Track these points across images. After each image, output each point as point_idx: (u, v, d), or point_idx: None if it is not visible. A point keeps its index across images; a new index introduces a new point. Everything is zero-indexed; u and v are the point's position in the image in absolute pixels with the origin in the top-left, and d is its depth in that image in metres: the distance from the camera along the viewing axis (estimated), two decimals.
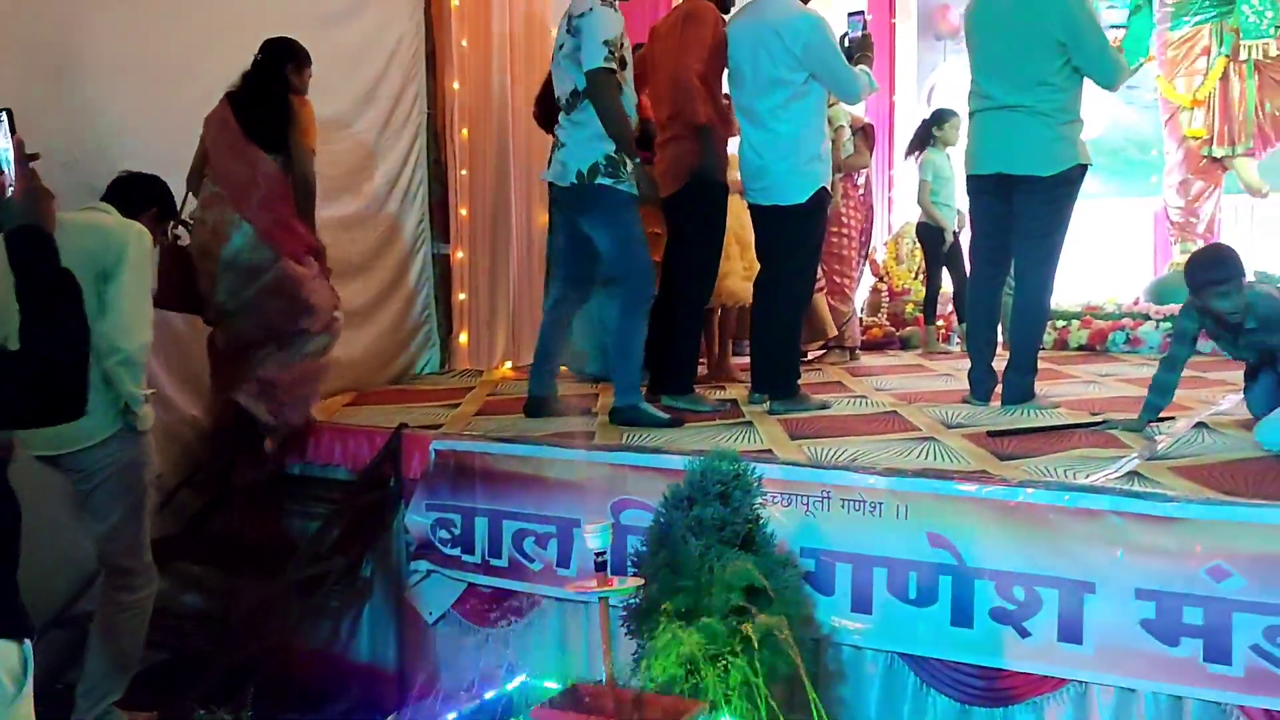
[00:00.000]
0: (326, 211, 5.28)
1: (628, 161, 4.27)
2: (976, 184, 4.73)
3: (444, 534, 4.17)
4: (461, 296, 6.24)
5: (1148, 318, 6.96)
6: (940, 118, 7.18)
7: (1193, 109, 7.35)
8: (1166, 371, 4.06)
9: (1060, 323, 7.18)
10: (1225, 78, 7.20)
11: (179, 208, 4.29)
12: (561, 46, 4.38)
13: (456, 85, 6.12)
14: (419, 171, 5.91)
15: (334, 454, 4.60)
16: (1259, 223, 8.62)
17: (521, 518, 3.99)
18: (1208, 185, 7.46)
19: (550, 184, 4.57)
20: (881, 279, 8.04)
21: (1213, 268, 3.86)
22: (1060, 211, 4.59)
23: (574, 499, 3.86)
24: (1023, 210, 4.58)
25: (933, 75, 9.44)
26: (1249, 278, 4.04)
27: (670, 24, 4.88)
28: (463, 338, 6.25)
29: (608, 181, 4.27)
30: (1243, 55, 7.02)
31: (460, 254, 6.19)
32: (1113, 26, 7.80)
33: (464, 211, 6.21)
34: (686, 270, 4.84)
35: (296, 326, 4.48)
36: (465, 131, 6.20)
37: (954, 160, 6.98)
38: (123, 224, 3.50)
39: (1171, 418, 4.19)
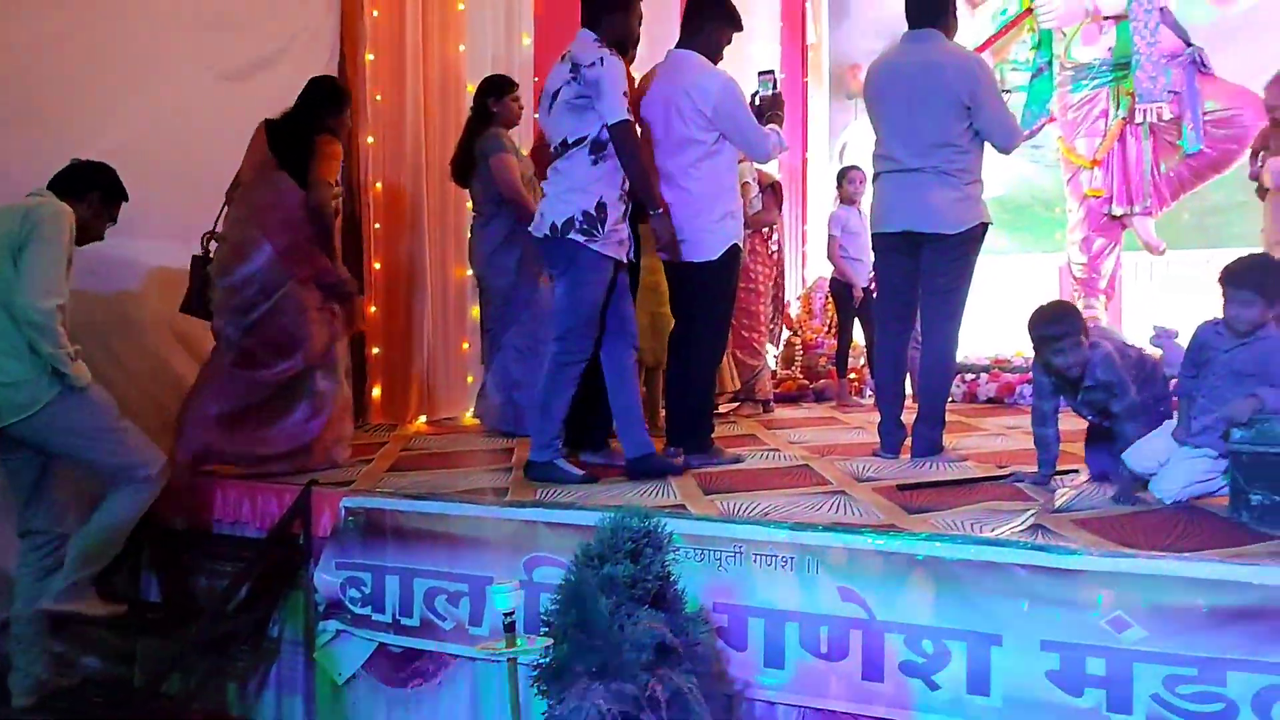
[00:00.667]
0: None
1: (606, 221, 4.26)
2: (883, 242, 4.85)
3: (354, 593, 4.10)
4: (375, 350, 6.20)
5: None
6: (845, 174, 7.34)
7: (1093, 169, 7.56)
8: (1038, 426, 4.16)
9: (969, 376, 7.32)
10: (1122, 139, 7.44)
11: (215, 221, 4.66)
12: (556, 94, 4.29)
13: (371, 139, 6.12)
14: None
15: (242, 511, 4.52)
16: (1157, 279, 8.89)
17: (433, 575, 3.94)
18: (1108, 242, 7.67)
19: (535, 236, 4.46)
20: (795, 332, 8.14)
21: (1049, 324, 3.94)
22: (964, 268, 4.73)
23: (486, 556, 3.82)
24: (929, 267, 4.71)
25: (844, 133, 9.63)
26: (1120, 335, 4.17)
27: None
28: (376, 391, 6.20)
29: (580, 238, 4.25)
30: (1138, 118, 7.25)
31: (374, 308, 6.15)
32: (1016, 89, 8.06)
33: (378, 265, 6.19)
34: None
35: (290, 355, 4.57)
36: (379, 185, 6.19)
37: (862, 215, 7.14)
38: (41, 203, 3.76)
39: (1074, 470, 4.29)
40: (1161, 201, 7.51)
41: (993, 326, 8.94)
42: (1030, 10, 7.49)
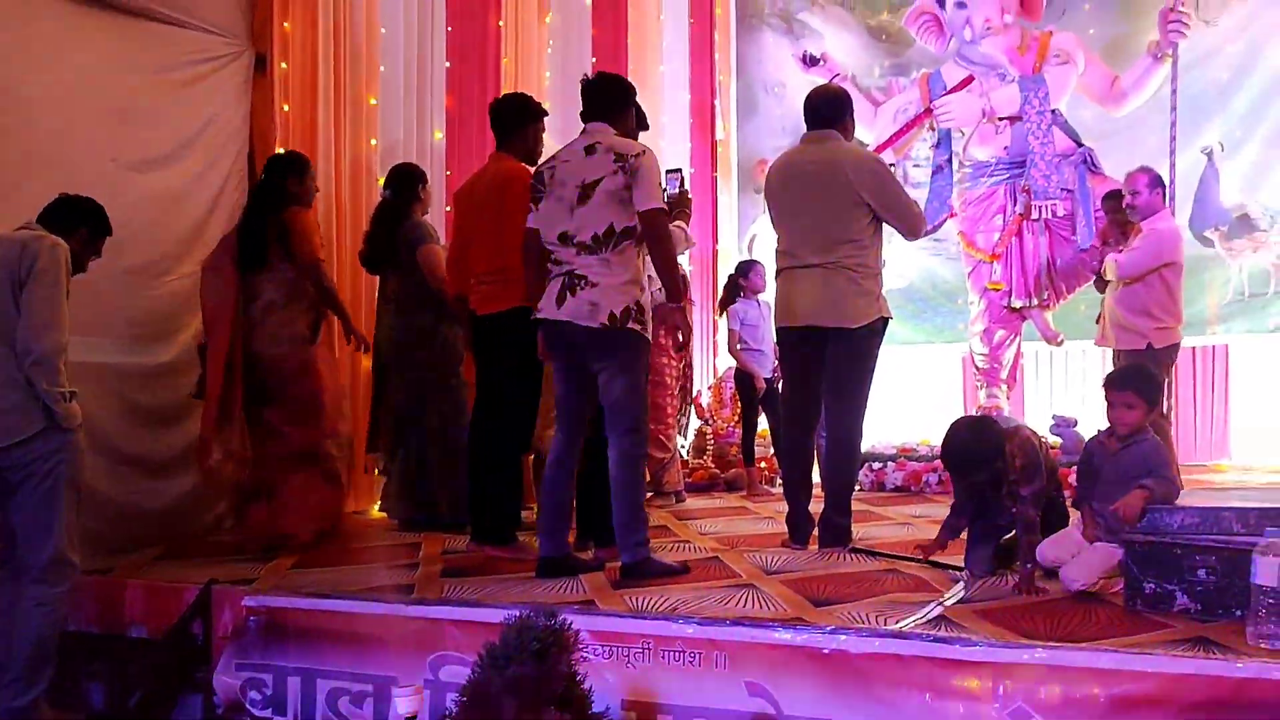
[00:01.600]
0: (135, 358, 5.15)
1: (647, 309, 4.31)
2: (787, 336, 4.96)
3: (255, 694, 3.99)
4: None
5: None
6: (744, 269, 7.47)
7: (992, 263, 7.80)
8: (951, 534, 4.29)
9: (877, 465, 7.42)
10: (1020, 235, 7.70)
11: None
12: (592, 185, 4.23)
13: None
14: None
15: (138, 611, 4.39)
16: (1057, 369, 9.14)
17: (337, 676, 3.84)
18: (1009, 334, 7.88)
19: (562, 324, 4.29)
20: (706, 421, 8.19)
21: (971, 450, 4.05)
22: (867, 361, 4.84)
23: (391, 655, 3.75)
24: (832, 361, 4.81)
25: (753, 226, 9.80)
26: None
27: (488, 189, 4.91)
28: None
29: (637, 328, 4.26)
30: (1034, 215, 7.53)
31: None
32: (917, 185, 8.32)
33: None
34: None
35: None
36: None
37: (762, 306, 7.27)
38: (37, 237, 3.85)
39: (959, 568, 4.35)
40: (1058, 294, 7.76)
41: (899, 415, 9.11)
42: (930, 110, 7.76)
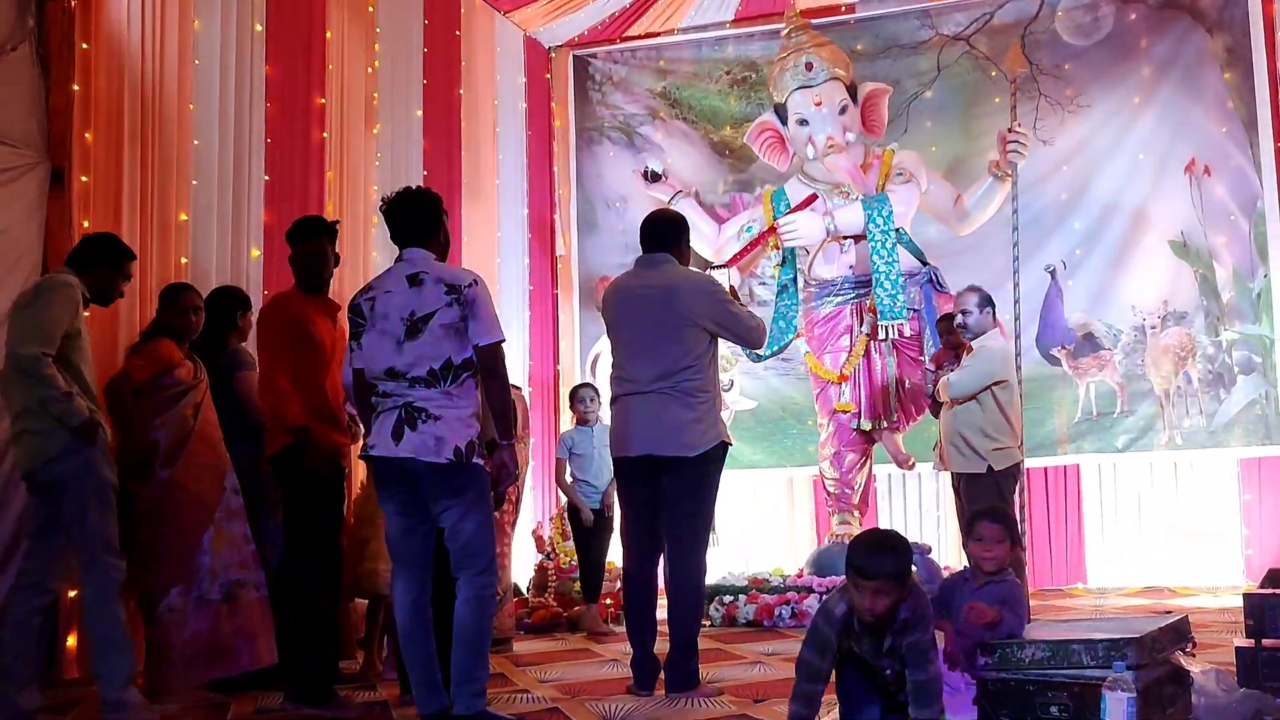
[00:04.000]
0: None
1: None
2: (624, 467, 5.03)
3: None
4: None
5: (811, 590, 7.32)
6: (575, 393, 7.55)
7: (840, 384, 7.99)
8: (807, 682, 3.56)
9: (728, 598, 7.44)
10: (867, 355, 7.92)
11: None
12: (423, 318, 4.19)
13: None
14: None
15: None
16: (910, 493, 9.40)
17: None
18: (859, 457, 8.04)
19: (401, 461, 4.18)
20: (548, 555, 8.11)
21: (888, 555, 3.46)
22: (707, 489, 4.94)
23: None
24: (670, 491, 4.88)
25: (596, 345, 9.89)
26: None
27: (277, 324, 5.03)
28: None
29: (480, 462, 4.21)
30: (881, 334, 7.78)
31: None
32: (763, 303, 8.54)
33: None
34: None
35: None
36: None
37: (594, 435, 7.31)
38: (51, 273, 4.92)
39: None
40: (908, 416, 7.98)
41: (749, 544, 9.22)
42: (774, 228, 7.99)
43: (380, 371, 4.24)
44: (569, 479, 7.38)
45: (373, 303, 4.32)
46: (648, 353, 4.93)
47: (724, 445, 4.97)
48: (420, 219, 4.42)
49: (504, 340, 4.34)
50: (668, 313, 4.92)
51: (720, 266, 7.76)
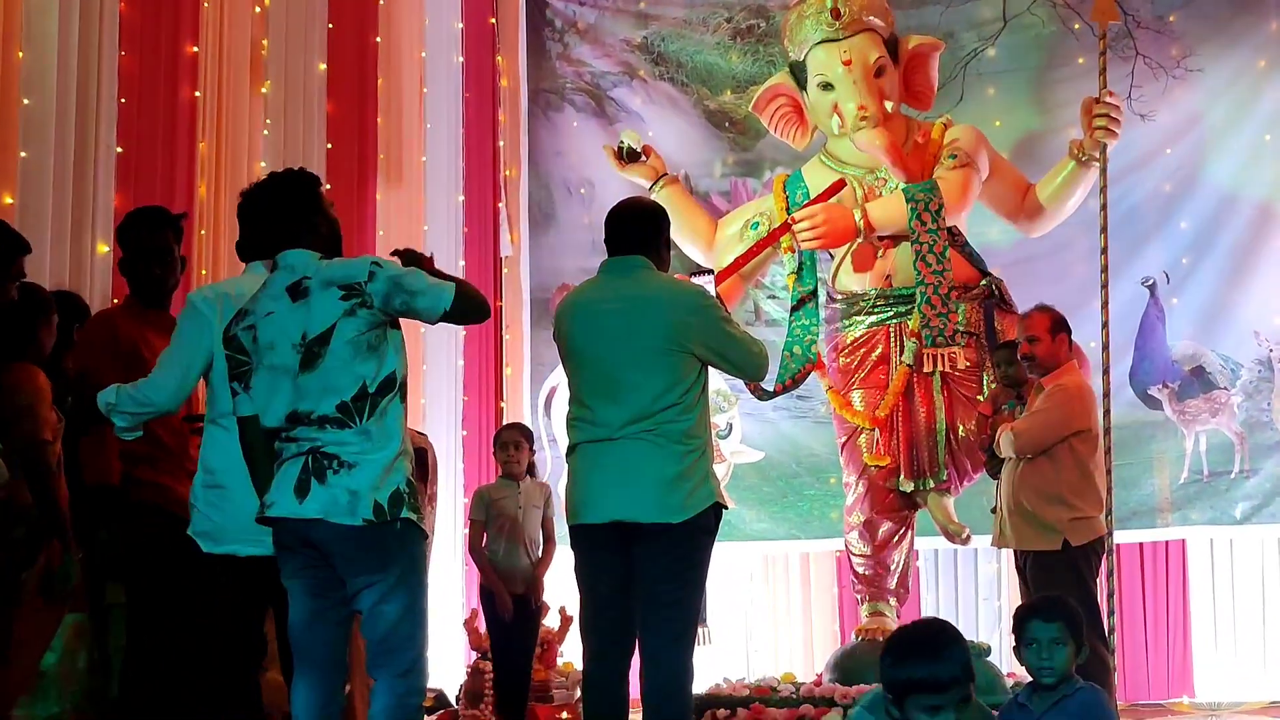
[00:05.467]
0: None
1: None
2: (585, 537, 4.96)
3: None
4: None
5: (833, 703, 7.30)
6: (498, 437, 7.47)
7: (873, 430, 7.95)
8: None
9: (722, 712, 7.41)
10: (908, 393, 7.87)
11: None
12: (318, 339, 4.18)
13: None
14: None
15: None
16: (963, 576, 9.38)
17: None
18: (897, 527, 7.98)
19: (307, 524, 4.18)
20: (484, 655, 8.07)
21: (929, 663, 3.42)
22: (695, 568, 4.90)
23: None
24: (646, 569, 4.84)
25: (552, 376, 9.83)
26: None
27: None
28: None
29: (413, 516, 4.19)
30: (927, 367, 7.74)
31: None
32: (772, 323, 8.55)
33: None
34: None
35: None
36: None
37: (522, 492, 7.25)
38: None
39: None
40: (962, 474, 7.92)
41: (750, 640, 9.19)
42: (788, 225, 7.94)
43: (281, 419, 4.22)
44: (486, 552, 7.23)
45: (253, 332, 4.29)
46: (617, 387, 4.89)
47: (718, 509, 4.92)
48: (290, 209, 4.42)
49: (461, 280, 4.36)
50: (644, 334, 4.88)
51: (704, 272, 7.67)
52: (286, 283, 4.28)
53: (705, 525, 4.88)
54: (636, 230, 5.15)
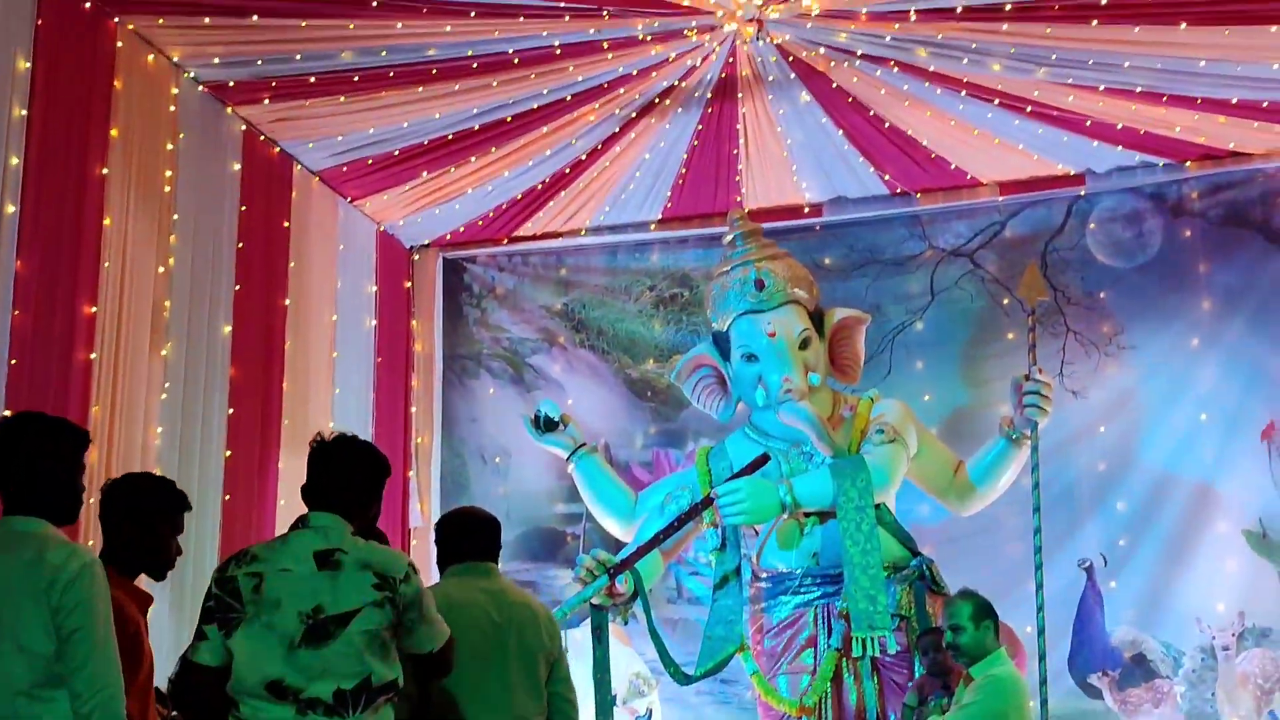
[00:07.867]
0: None
1: None
2: None
3: None
4: None
5: None
6: None
7: (801, 718, 7.81)
8: None
9: None
10: (838, 679, 7.74)
11: None
12: (351, 615, 4.14)
13: None
14: None
15: None
16: None
17: None
18: None
19: None
20: None
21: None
22: None
23: None
24: None
25: None
26: None
27: None
28: None
29: None
30: (857, 650, 7.62)
31: None
32: (694, 600, 8.43)
33: None
34: None
35: None
36: None
37: None
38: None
39: None
40: None
41: None
42: (710, 499, 7.88)
43: (256, 684, 4.08)
44: None
45: (258, 581, 4.17)
46: (498, 701, 4.89)
47: None
48: (365, 476, 4.55)
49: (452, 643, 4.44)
50: (523, 644, 4.98)
51: (637, 550, 7.59)
52: (316, 547, 4.21)
53: None
54: (492, 539, 5.34)
